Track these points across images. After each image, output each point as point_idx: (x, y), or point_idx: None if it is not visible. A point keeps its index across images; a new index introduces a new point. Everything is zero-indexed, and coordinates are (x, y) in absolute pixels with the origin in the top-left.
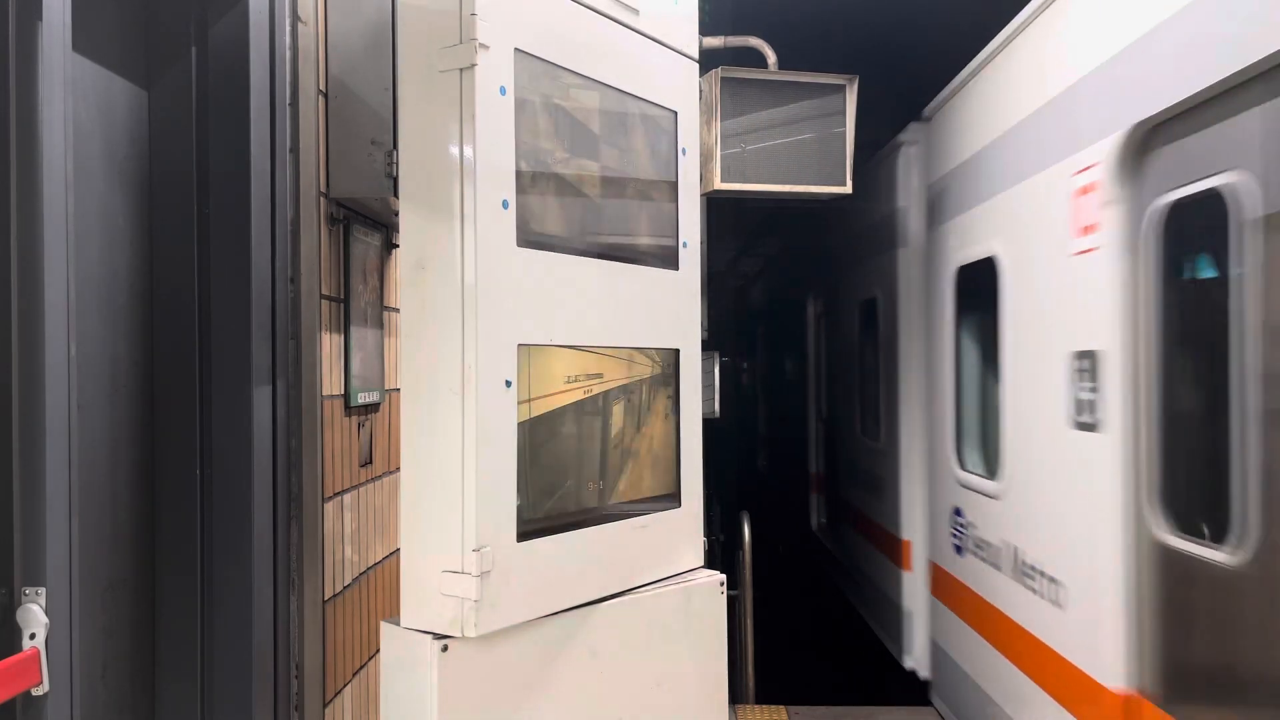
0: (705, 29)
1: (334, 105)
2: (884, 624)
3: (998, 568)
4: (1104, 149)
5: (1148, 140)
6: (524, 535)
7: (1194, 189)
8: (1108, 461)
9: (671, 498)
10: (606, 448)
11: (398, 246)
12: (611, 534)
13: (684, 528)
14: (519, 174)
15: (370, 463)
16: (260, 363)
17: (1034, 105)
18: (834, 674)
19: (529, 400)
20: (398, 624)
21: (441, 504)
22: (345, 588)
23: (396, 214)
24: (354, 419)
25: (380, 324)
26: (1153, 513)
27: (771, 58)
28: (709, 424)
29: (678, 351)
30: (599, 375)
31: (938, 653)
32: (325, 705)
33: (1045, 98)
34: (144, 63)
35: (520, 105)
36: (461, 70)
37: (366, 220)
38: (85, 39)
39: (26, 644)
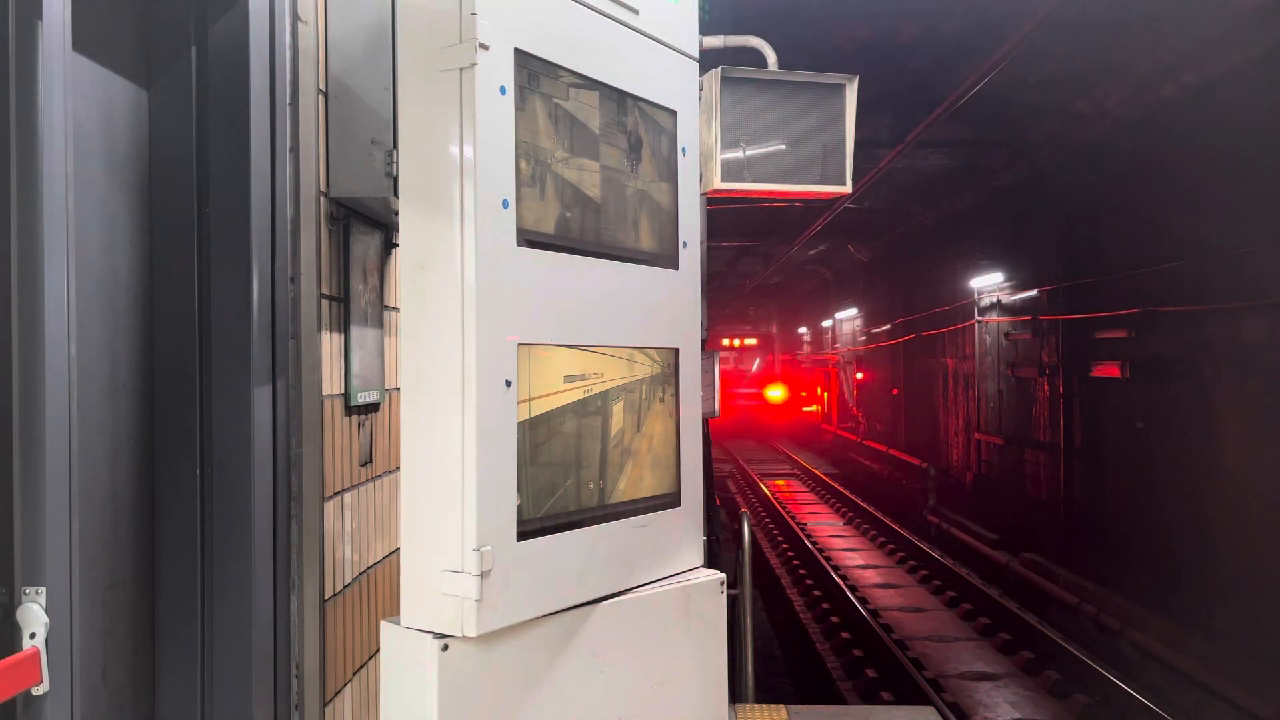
0: (705, 29)
1: (334, 105)
2: None
3: None
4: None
5: None
6: (524, 535)
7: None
8: None
9: (671, 497)
10: (606, 447)
11: (398, 246)
12: (611, 533)
13: (684, 527)
14: (519, 174)
15: (370, 462)
16: (260, 363)
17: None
18: None
19: (529, 400)
20: (398, 623)
21: (441, 503)
22: (345, 587)
23: (396, 214)
24: (354, 418)
25: (380, 324)
26: None
27: (771, 58)
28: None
29: (678, 351)
30: (599, 375)
31: None
32: (325, 705)
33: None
34: (144, 63)
35: (520, 105)
36: (461, 70)
37: (366, 220)
38: (85, 39)
39: (26, 643)
